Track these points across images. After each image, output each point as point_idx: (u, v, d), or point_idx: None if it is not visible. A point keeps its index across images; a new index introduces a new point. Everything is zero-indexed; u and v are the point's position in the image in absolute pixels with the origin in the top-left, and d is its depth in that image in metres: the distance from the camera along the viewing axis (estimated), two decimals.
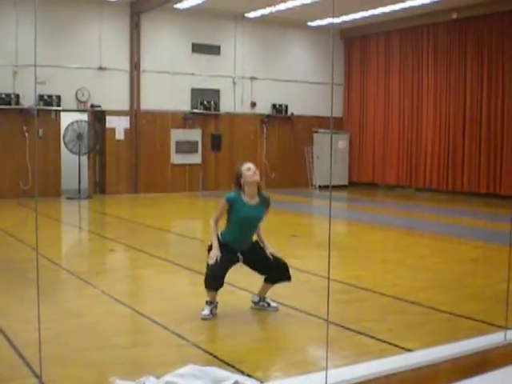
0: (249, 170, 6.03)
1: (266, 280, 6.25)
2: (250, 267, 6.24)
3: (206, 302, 6.06)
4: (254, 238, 6.24)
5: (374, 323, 5.87)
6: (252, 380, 3.05)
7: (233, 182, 6.18)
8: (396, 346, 5.17)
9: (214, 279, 5.97)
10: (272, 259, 6.13)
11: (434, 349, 4.41)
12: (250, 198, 6.04)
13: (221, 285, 5.99)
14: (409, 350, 4.96)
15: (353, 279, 7.70)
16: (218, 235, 6.06)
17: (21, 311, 6.03)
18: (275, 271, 6.16)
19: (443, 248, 10.51)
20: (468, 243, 10.83)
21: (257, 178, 6.05)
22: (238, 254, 6.09)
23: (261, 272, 6.25)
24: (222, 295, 6.26)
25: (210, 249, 6.07)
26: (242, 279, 6.97)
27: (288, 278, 6.22)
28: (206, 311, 5.98)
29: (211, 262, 5.92)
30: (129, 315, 6.28)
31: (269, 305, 6.27)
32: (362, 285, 7.43)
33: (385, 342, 5.30)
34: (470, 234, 11.83)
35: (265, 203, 6.12)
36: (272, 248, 6.20)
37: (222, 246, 6.03)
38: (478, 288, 7.49)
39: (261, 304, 6.30)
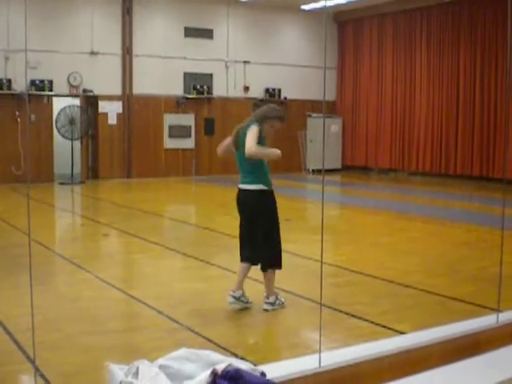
0: (272, 127, 5.87)
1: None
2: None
3: (276, 295, 5.82)
4: None
5: (366, 306, 5.90)
6: (246, 363, 3.07)
7: (256, 117, 5.86)
8: (388, 328, 5.20)
9: None
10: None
11: (426, 331, 4.43)
12: None
13: None
14: (401, 333, 4.99)
15: (346, 263, 7.73)
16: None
17: (14, 296, 6.04)
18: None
19: (436, 231, 10.54)
20: (460, 226, 10.87)
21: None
22: None
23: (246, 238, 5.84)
24: (216, 280, 6.28)
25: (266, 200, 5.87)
26: (236, 263, 6.98)
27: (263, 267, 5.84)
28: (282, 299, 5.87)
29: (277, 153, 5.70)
30: (122, 300, 6.29)
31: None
32: (354, 268, 7.46)
33: (377, 324, 5.33)
34: (462, 218, 11.87)
35: None
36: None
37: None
38: (471, 271, 7.52)
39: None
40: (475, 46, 17.62)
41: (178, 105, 18.95)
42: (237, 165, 5.85)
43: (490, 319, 4.64)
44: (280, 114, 5.88)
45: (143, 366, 2.88)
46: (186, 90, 19.06)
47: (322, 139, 20.28)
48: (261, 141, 5.66)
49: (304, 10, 20.40)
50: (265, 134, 5.78)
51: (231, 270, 6.98)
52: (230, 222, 10.24)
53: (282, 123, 5.87)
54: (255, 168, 5.70)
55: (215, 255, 8.32)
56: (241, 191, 5.79)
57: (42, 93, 16.72)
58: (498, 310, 4.70)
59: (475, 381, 3.58)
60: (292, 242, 9.30)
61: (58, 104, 17.10)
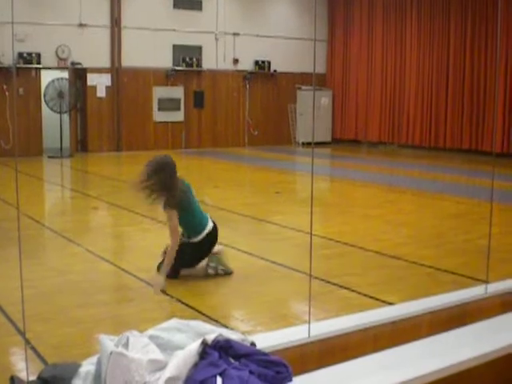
0: None
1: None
2: None
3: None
4: None
5: (356, 277, 5.93)
6: (236, 333, 3.08)
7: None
8: (378, 299, 5.23)
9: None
10: None
11: (415, 302, 4.45)
12: None
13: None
14: (390, 304, 5.03)
15: (336, 234, 7.76)
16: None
17: (4, 270, 6.02)
18: None
19: (425, 204, 10.58)
20: (450, 199, 10.90)
21: None
22: None
23: None
24: None
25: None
26: (223, 236, 6.99)
27: None
28: None
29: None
30: (113, 272, 6.30)
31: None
32: (344, 240, 7.48)
33: (367, 295, 5.36)
34: (451, 190, 11.91)
35: None
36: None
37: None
38: (460, 243, 7.56)
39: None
40: (465, 18, 17.54)
41: (167, 77, 18.83)
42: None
43: (478, 290, 4.67)
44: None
45: (133, 336, 2.89)
46: (175, 63, 18.92)
47: (312, 112, 20.20)
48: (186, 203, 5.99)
49: None
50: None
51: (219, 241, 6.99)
52: (219, 194, 10.25)
53: None
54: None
55: None
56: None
57: (30, 66, 16.54)
58: (486, 282, 4.73)
59: (463, 351, 3.61)
60: (281, 214, 9.32)
61: (47, 77, 16.94)
